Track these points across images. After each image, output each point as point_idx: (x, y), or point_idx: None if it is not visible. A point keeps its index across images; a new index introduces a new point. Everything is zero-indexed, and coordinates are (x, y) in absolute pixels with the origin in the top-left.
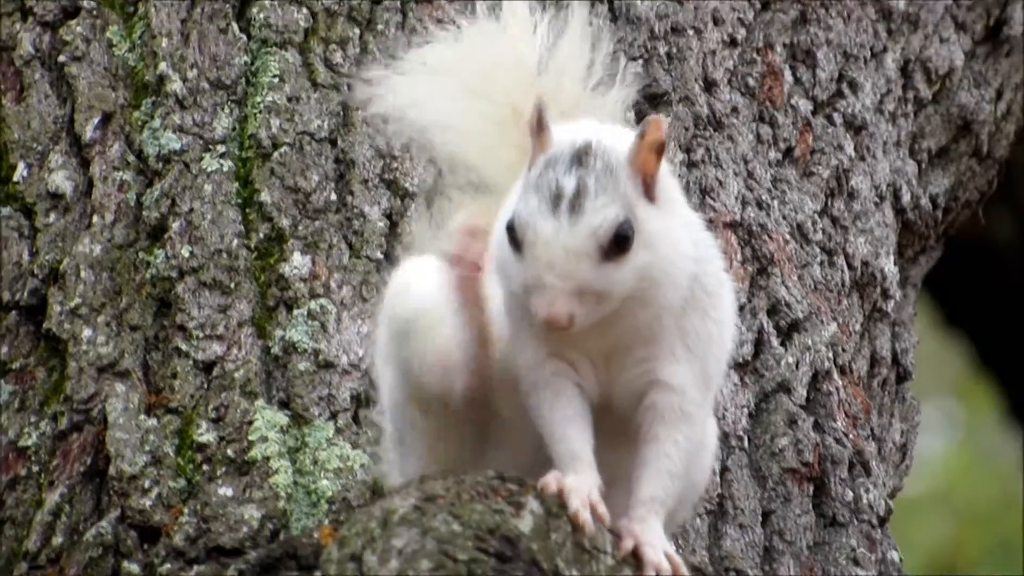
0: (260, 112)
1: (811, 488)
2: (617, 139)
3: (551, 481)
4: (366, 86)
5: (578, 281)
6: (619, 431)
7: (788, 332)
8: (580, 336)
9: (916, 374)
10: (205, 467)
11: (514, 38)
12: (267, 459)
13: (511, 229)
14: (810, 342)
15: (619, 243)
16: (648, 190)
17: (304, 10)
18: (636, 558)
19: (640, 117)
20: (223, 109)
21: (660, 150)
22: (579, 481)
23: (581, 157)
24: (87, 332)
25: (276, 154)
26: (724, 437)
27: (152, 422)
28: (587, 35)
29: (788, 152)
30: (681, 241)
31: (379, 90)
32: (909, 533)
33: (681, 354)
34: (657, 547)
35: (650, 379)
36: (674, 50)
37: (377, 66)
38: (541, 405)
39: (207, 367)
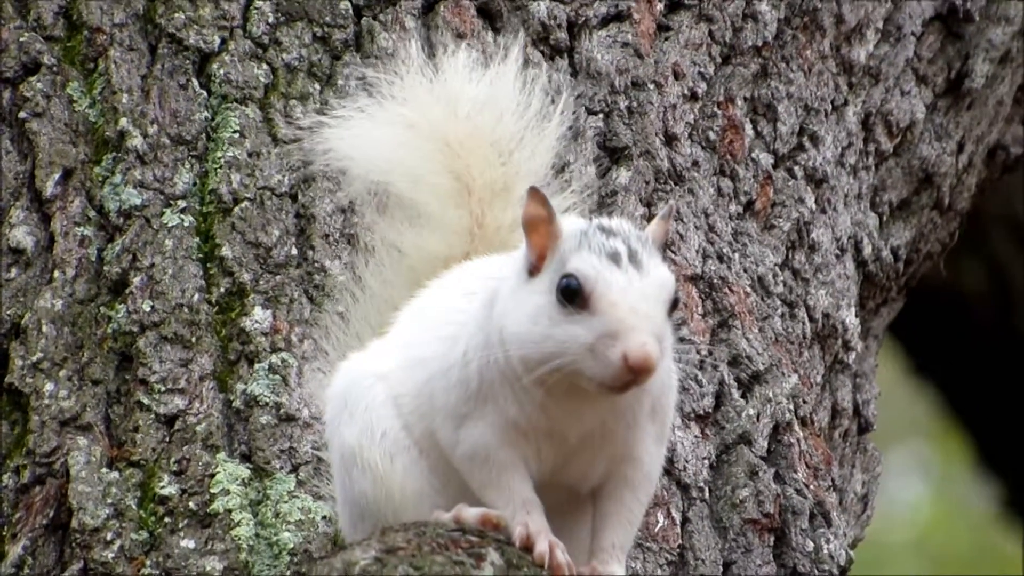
0: (221, 167)
1: (772, 539)
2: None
3: (516, 524)
4: (310, 135)
5: (657, 326)
6: (563, 499)
7: (749, 384)
8: (573, 416)
9: (888, 420)
10: (167, 519)
11: (453, 79)
12: (229, 511)
13: (569, 289)
14: (771, 394)
15: (674, 304)
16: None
17: (264, 66)
18: None
19: (604, 172)
20: (184, 164)
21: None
22: (541, 523)
23: (610, 229)
24: (49, 386)
25: (237, 209)
26: (685, 488)
27: (114, 475)
28: (521, 76)
29: (749, 205)
30: None
31: (323, 137)
32: None
33: (651, 428)
34: None
35: (622, 457)
36: (635, 104)
37: (320, 117)
38: (485, 473)
39: (169, 420)
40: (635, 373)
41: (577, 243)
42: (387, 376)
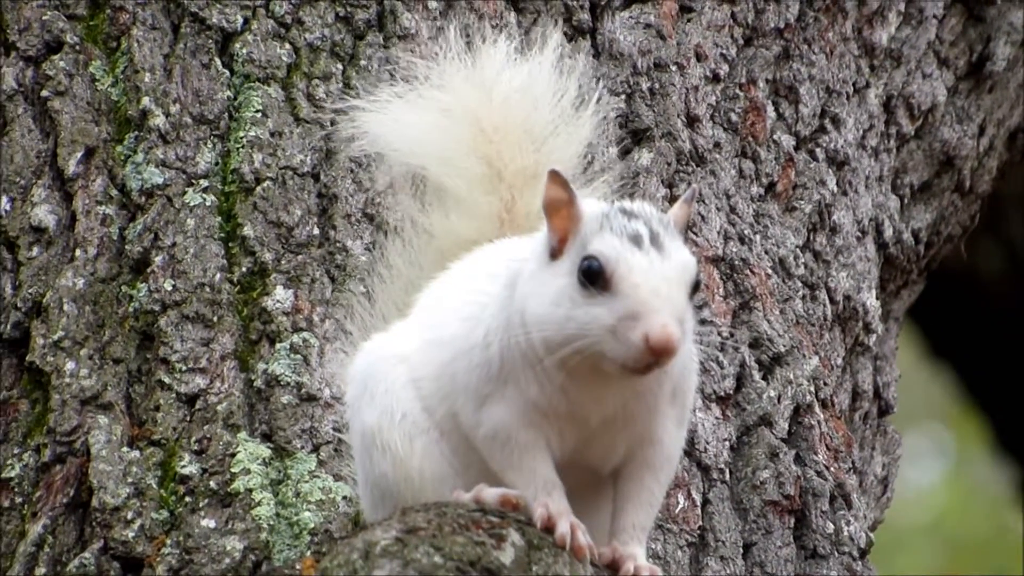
0: (243, 147)
1: (792, 520)
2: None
3: (537, 505)
4: (346, 121)
5: (678, 308)
6: (584, 480)
7: (770, 366)
8: (594, 399)
9: (906, 403)
10: (188, 499)
11: (490, 66)
12: (249, 491)
13: (590, 270)
14: (792, 376)
15: (696, 287)
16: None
17: (287, 46)
18: None
19: (624, 153)
20: (206, 144)
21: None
22: (562, 504)
23: (632, 212)
24: (70, 365)
25: (259, 189)
26: (706, 470)
27: (135, 454)
28: (558, 65)
29: (770, 187)
30: None
31: (358, 123)
32: (902, 564)
33: (671, 411)
34: (654, 570)
35: (642, 439)
36: (657, 86)
37: (354, 101)
38: (507, 453)
39: (190, 400)
40: (656, 355)
41: (599, 225)
42: (408, 358)
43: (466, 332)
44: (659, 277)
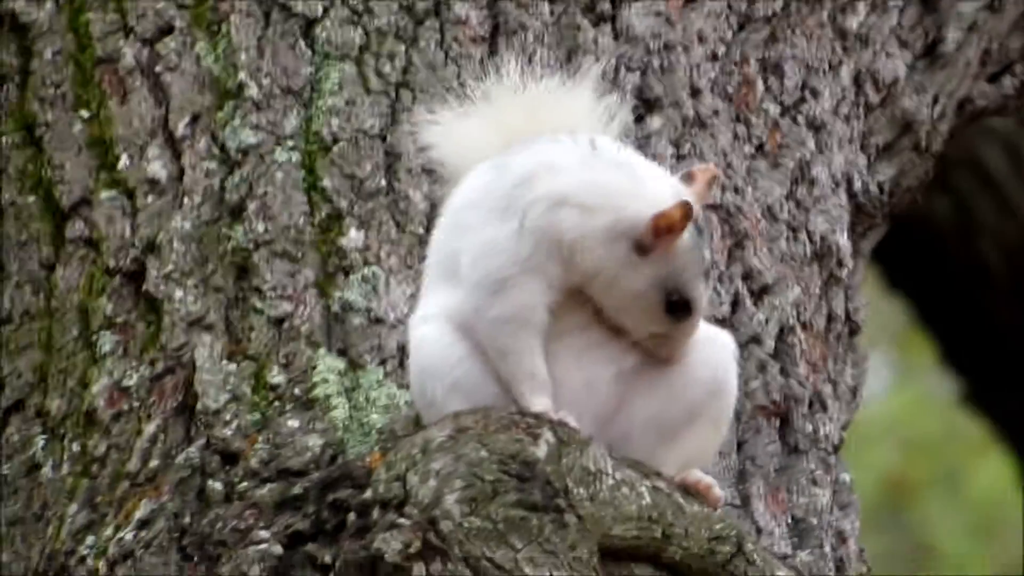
0: (323, 113)
1: (778, 422)
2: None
3: (538, 404)
4: (414, 132)
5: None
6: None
7: (759, 295)
8: None
9: (864, 329)
10: (276, 404)
11: (537, 90)
12: (327, 397)
13: (676, 305)
14: (777, 303)
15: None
16: None
17: (359, 29)
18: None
19: (639, 119)
20: (292, 111)
21: None
22: (548, 403)
23: (702, 243)
24: (179, 293)
25: (335, 148)
26: None
27: (232, 367)
28: (597, 91)
29: (760, 148)
30: None
31: (425, 136)
32: (862, 461)
33: None
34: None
35: None
36: (666, 63)
37: (422, 113)
38: (519, 337)
39: (278, 322)
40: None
41: (693, 267)
42: (437, 314)
43: (487, 235)
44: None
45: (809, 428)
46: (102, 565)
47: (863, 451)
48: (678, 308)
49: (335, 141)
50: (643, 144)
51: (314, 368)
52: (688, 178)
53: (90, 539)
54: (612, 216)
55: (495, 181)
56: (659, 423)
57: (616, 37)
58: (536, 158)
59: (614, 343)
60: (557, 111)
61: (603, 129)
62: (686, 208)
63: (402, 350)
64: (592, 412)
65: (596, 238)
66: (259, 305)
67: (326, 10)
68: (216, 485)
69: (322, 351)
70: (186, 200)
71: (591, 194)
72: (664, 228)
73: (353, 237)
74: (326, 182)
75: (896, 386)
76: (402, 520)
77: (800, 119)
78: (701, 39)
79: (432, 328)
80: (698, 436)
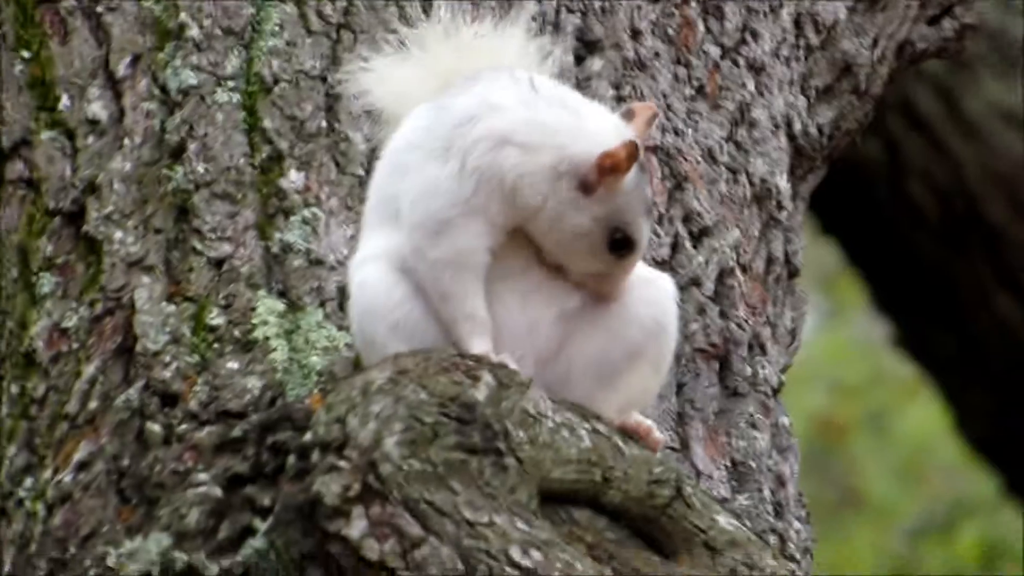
0: (263, 54)
1: (717, 365)
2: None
3: (476, 346)
4: (348, 79)
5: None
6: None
7: (699, 237)
8: None
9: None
10: (216, 345)
11: (467, 34)
12: (267, 339)
13: (618, 241)
14: (717, 245)
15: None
16: None
17: None
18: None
19: (579, 60)
20: (233, 52)
21: None
22: (487, 345)
23: (645, 181)
24: (119, 234)
25: (276, 89)
26: None
27: (172, 308)
28: (527, 34)
29: (700, 89)
30: None
31: (360, 82)
32: (788, 403)
33: None
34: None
35: None
36: (606, 5)
37: (356, 60)
38: (459, 279)
39: (218, 263)
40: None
41: (636, 205)
42: (365, 255)
43: (426, 174)
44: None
45: (748, 371)
46: (40, 507)
47: (791, 393)
48: (621, 246)
49: (276, 82)
50: (583, 85)
51: (254, 310)
52: (628, 115)
53: (28, 481)
54: (555, 155)
55: (435, 122)
56: (599, 365)
57: None
58: (476, 98)
59: (555, 284)
60: (489, 53)
61: (537, 69)
62: (631, 148)
63: (342, 292)
64: (533, 354)
65: (539, 177)
66: (199, 247)
67: None
68: (155, 427)
69: (262, 293)
70: (126, 141)
71: (533, 133)
72: (609, 167)
73: (293, 178)
74: (267, 123)
75: (824, 329)
76: (342, 463)
77: (740, 61)
78: None
79: (372, 269)
80: (638, 378)
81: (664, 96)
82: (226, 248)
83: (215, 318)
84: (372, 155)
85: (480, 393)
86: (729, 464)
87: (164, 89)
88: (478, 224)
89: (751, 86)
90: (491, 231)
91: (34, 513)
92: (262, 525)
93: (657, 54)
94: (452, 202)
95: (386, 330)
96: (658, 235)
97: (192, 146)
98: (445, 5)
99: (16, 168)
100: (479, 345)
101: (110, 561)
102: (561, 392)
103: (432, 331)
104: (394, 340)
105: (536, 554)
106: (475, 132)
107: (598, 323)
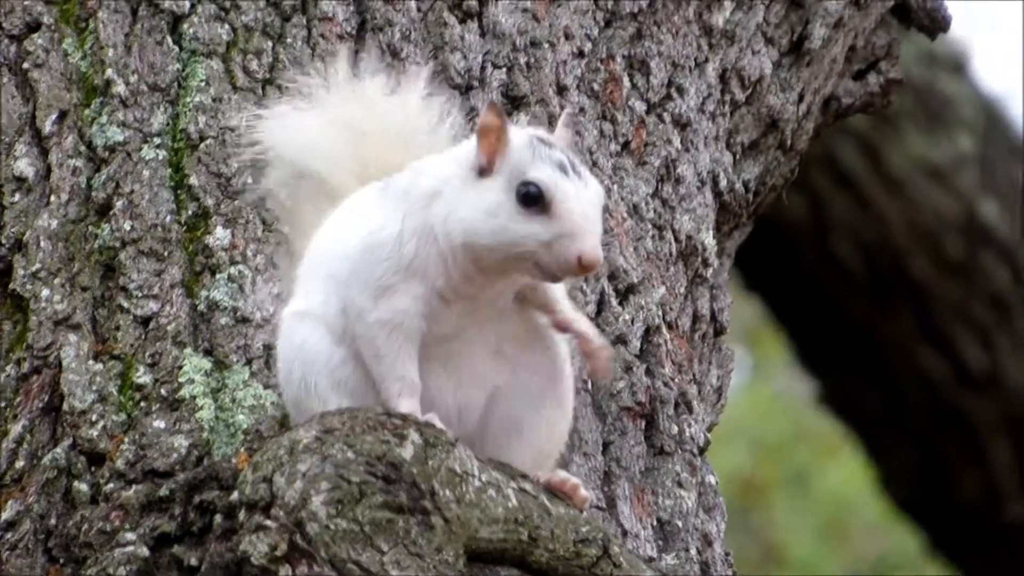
0: (189, 111)
1: (643, 423)
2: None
3: (403, 406)
4: (245, 128)
5: (600, 230)
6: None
7: (625, 294)
8: (494, 289)
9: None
10: (142, 404)
11: (372, 88)
12: (194, 397)
13: (530, 195)
14: (643, 302)
15: (605, 209)
16: None
17: (226, 26)
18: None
19: (509, 115)
20: (159, 108)
21: None
22: (415, 406)
23: (549, 142)
24: (45, 292)
25: (203, 145)
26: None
27: (99, 366)
28: (429, 89)
29: (626, 145)
30: None
31: (261, 130)
32: (715, 462)
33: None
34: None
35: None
36: (532, 60)
37: (251, 109)
38: (392, 341)
39: (145, 321)
40: (585, 271)
41: (531, 154)
42: (309, 311)
43: (370, 241)
44: (587, 203)
45: (675, 429)
46: None
47: (713, 451)
48: (531, 200)
49: (202, 139)
50: None
51: (180, 368)
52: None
53: None
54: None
55: (380, 192)
56: (509, 416)
57: (483, 34)
58: (416, 172)
59: (490, 365)
60: (391, 108)
61: (435, 127)
62: (494, 107)
63: (268, 349)
64: (462, 435)
65: (453, 199)
66: (125, 304)
67: (193, 6)
68: (82, 486)
69: (188, 351)
70: (53, 198)
71: (451, 178)
72: (482, 132)
73: (220, 235)
74: (193, 180)
75: (746, 385)
76: (268, 522)
77: (666, 116)
78: (567, 36)
79: (309, 329)
80: (545, 422)
81: (590, 152)
82: (152, 306)
83: (142, 376)
84: (260, 204)
85: (407, 452)
86: (656, 523)
87: (90, 145)
88: (415, 288)
89: (677, 142)
90: (427, 297)
91: None
92: None
93: (583, 110)
94: (393, 268)
95: (328, 385)
96: (584, 292)
97: (119, 203)
98: (350, 58)
99: None
100: (406, 405)
101: None
102: (480, 447)
103: (373, 393)
104: (335, 395)
105: None
106: (413, 194)
107: (509, 381)
